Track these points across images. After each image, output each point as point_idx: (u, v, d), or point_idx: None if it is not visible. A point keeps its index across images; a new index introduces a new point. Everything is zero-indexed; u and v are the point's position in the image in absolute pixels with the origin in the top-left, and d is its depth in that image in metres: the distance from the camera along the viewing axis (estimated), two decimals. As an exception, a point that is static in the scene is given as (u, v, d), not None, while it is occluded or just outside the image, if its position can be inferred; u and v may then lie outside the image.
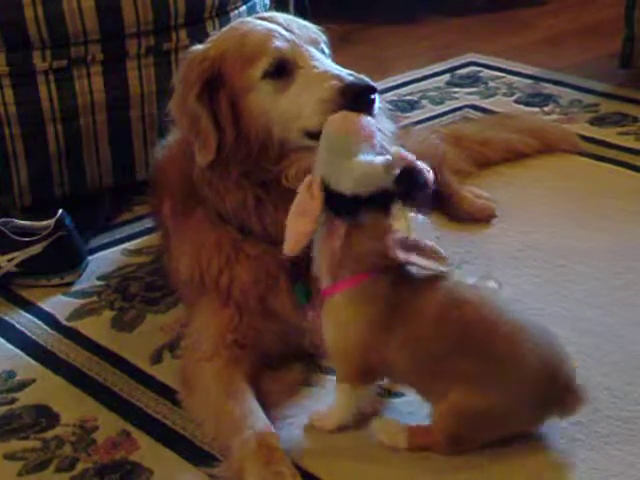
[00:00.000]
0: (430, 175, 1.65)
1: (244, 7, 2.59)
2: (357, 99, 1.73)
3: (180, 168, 1.95)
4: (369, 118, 1.71)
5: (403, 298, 1.66)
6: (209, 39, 1.91)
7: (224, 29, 1.94)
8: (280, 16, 1.91)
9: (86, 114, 2.42)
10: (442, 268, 1.66)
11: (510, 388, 1.62)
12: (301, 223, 1.67)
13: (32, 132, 2.39)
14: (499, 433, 1.67)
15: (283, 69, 1.79)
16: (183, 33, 2.46)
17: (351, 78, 1.76)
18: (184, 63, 1.87)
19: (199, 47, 1.88)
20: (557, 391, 1.64)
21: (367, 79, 1.78)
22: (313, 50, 1.83)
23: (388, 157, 1.64)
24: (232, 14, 2.54)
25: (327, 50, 1.91)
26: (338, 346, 1.72)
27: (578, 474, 1.65)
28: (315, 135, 1.73)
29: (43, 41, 2.33)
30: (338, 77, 1.75)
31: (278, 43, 1.80)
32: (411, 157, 1.64)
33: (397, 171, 1.61)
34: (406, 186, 1.64)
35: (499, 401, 1.62)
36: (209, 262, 1.90)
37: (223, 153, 1.81)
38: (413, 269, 1.68)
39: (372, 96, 1.75)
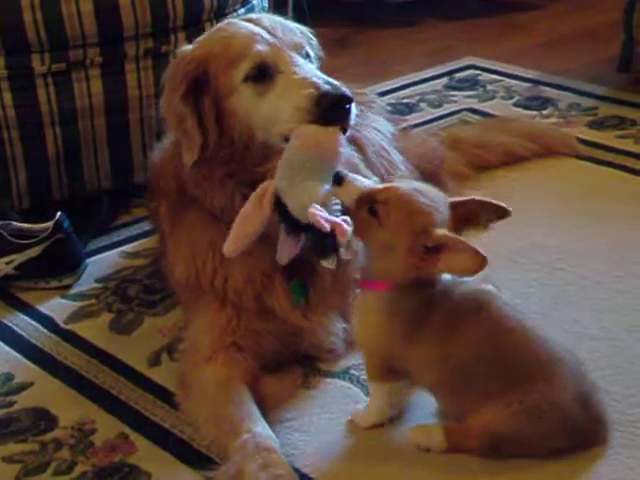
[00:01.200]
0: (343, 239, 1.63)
1: (242, 10, 2.59)
2: (332, 109, 1.72)
3: (174, 169, 1.96)
4: (337, 134, 1.70)
5: (438, 316, 1.65)
6: (196, 40, 1.92)
7: (211, 30, 1.96)
8: (266, 18, 1.90)
9: (85, 117, 2.42)
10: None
11: (542, 416, 1.62)
12: (245, 226, 1.70)
13: (31, 135, 2.39)
14: (533, 451, 1.66)
15: (264, 73, 1.80)
16: (182, 36, 2.46)
17: (327, 87, 1.74)
18: (171, 64, 1.89)
19: (187, 48, 1.89)
20: (588, 422, 1.65)
21: (344, 88, 1.76)
22: (295, 55, 1.82)
23: (327, 191, 1.64)
24: (230, 16, 2.54)
25: (313, 54, 1.91)
26: (364, 343, 1.75)
27: (578, 479, 1.64)
28: None
29: (42, 44, 2.33)
30: (314, 85, 1.74)
31: (260, 47, 1.80)
32: (324, 223, 1.60)
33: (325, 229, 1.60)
34: (318, 247, 1.66)
35: (530, 426, 1.62)
36: (204, 263, 1.90)
37: (207, 153, 1.83)
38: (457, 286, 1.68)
39: (347, 106, 1.74)
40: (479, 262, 1.58)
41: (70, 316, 2.16)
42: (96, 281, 2.30)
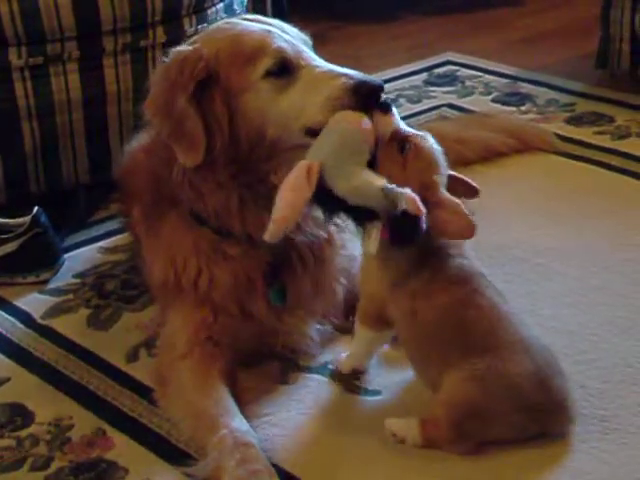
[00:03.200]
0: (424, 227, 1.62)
1: (221, 4, 2.58)
2: (367, 98, 1.72)
3: (149, 172, 1.93)
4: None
5: (420, 273, 1.70)
6: (193, 39, 1.88)
7: (210, 29, 1.91)
8: (268, 19, 1.91)
9: (62, 111, 2.41)
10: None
11: (503, 389, 1.64)
12: (294, 196, 1.64)
13: (7, 129, 2.38)
14: (495, 434, 1.67)
15: (285, 69, 1.78)
16: (160, 30, 2.45)
17: (361, 76, 1.75)
18: (169, 64, 1.81)
19: (185, 48, 1.83)
20: (545, 403, 1.66)
21: (377, 79, 1.78)
22: (311, 52, 1.83)
23: (389, 185, 1.63)
24: (209, 11, 2.54)
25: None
26: (361, 286, 1.82)
27: (552, 472, 1.66)
28: (316, 132, 1.72)
29: (19, 38, 2.32)
30: (347, 75, 1.75)
31: (280, 43, 1.79)
32: (422, 207, 1.60)
33: (401, 207, 1.59)
34: (403, 230, 1.62)
35: (479, 394, 1.64)
36: (185, 264, 1.89)
37: (211, 155, 1.79)
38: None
39: (382, 95, 1.75)
40: (469, 228, 1.65)
41: (47, 311, 2.16)
42: (74, 276, 2.29)
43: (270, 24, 1.86)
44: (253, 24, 1.85)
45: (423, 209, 1.59)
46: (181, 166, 1.82)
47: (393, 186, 1.63)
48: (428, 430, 1.69)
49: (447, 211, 1.65)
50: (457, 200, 1.67)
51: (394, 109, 1.71)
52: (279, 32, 1.82)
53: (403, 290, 1.72)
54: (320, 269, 1.94)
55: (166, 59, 1.84)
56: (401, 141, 1.69)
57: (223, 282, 1.87)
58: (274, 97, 1.78)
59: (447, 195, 1.68)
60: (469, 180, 1.79)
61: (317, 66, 1.79)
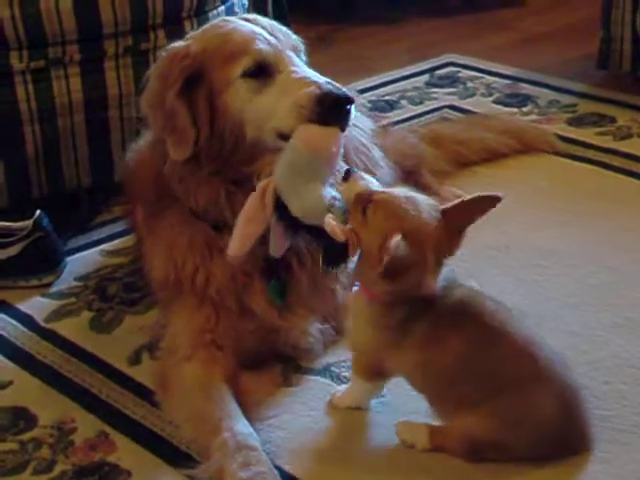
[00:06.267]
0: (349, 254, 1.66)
1: (222, 7, 2.59)
2: (333, 109, 1.74)
3: (151, 170, 1.95)
4: (338, 135, 1.72)
5: (423, 325, 1.65)
6: (188, 36, 1.92)
7: (205, 26, 1.95)
8: (263, 20, 1.92)
9: (64, 115, 2.41)
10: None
11: (528, 424, 1.62)
12: (249, 227, 1.73)
13: (9, 132, 2.38)
14: (513, 457, 1.66)
15: (263, 71, 1.81)
16: (161, 33, 2.45)
17: (329, 87, 1.76)
18: (162, 59, 1.87)
19: (179, 44, 1.88)
20: (571, 432, 1.65)
21: (345, 89, 1.78)
22: (294, 56, 1.85)
23: (335, 197, 1.65)
24: (211, 14, 2.54)
25: (304, 59, 1.92)
26: (353, 343, 1.76)
27: (555, 473, 1.65)
28: (287, 137, 1.75)
29: (20, 41, 2.32)
30: (316, 84, 1.77)
31: (261, 45, 1.82)
32: (340, 234, 1.63)
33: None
34: (330, 254, 1.69)
35: (508, 435, 1.63)
36: (184, 262, 1.90)
37: (195, 150, 1.82)
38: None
39: (348, 107, 1.76)
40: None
41: (50, 315, 2.16)
42: (76, 279, 2.29)
43: (262, 26, 1.88)
44: (245, 24, 1.88)
45: (342, 238, 1.60)
46: (172, 160, 1.85)
47: (340, 206, 1.64)
48: (437, 440, 1.68)
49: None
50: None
51: (358, 174, 1.68)
52: (266, 34, 1.85)
53: (406, 345, 1.67)
54: (318, 268, 1.93)
55: (163, 54, 1.89)
56: (363, 204, 1.63)
57: (219, 278, 1.88)
58: (250, 97, 1.81)
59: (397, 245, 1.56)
60: (484, 194, 1.67)
61: (294, 71, 1.81)
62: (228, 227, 1.85)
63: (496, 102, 3.15)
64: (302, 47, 1.92)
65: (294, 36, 1.92)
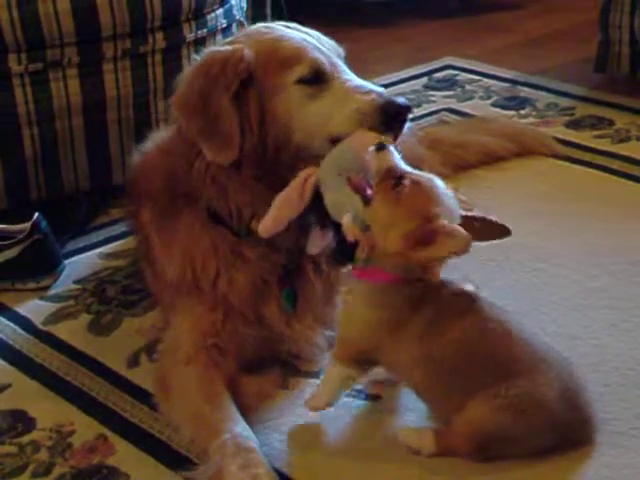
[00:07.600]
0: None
1: (221, 10, 2.59)
2: (394, 117, 1.78)
3: (164, 170, 1.94)
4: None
5: (422, 315, 1.67)
6: (231, 39, 1.93)
7: (247, 31, 1.94)
8: (304, 28, 1.93)
9: (62, 117, 2.41)
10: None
11: (534, 414, 1.63)
12: (283, 210, 1.74)
13: (7, 135, 2.38)
14: (520, 451, 1.67)
15: (318, 78, 1.82)
16: (159, 36, 2.45)
17: (389, 97, 1.80)
18: (208, 63, 1.83)
19: (224, 47, 1.86)
20: (574, 421, 1.66)
21: (404, 99, 1.83)
22: (343, 64, 1.88)
23: (354, 214, 1.67)
24: (209, 17, 2.54)
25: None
26: (344, 329, 1.75)
27: (554, 475, 1.66)
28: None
29: (19, 44, 2.32)
30: (377, 93, 1.80)
31: (316, 53, 1.83)
32: (351, 234, 1.66)
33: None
34: (340, 251, 1.73)
35: (513, 421, 1.63)
36: (204, 265, 1.89)
37: (240, 154, 1.81)
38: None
39: (407, 117, 1.79)
40: (466, 246, 1.62)
41: (48, 317, 2.15)
42: (74, 282, 2.29)
43: (308, 33, 1.90)
44: (292, 31, 1.89)
45: (352, 237, 1.65)
46: (204, 163, 1.84)
47: (354, 214, 1.66)
48: (444, 441, 1.68)
49: (445, 237, 1.61)
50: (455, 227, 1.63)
51: (391, 148, 1.71)
52: (316, 42, 1.87)
53: (406, 335, 1.67)
54: (334, 276, 1.94)
55: (198, 57, 1.88)
56: (396, 177, 1.65)
57: (242, 285, 1.88)
58: (304, 103, 1.81)
59: (445, 223, 1.62)
60: (501, 222, 1.73)
61: (349, 79, 1.84)
62: (252, 235, 1.85)
63: (494, 105, 3.15)
64: (343, 54, 1.93)
65: (335, 43, 1.93)
